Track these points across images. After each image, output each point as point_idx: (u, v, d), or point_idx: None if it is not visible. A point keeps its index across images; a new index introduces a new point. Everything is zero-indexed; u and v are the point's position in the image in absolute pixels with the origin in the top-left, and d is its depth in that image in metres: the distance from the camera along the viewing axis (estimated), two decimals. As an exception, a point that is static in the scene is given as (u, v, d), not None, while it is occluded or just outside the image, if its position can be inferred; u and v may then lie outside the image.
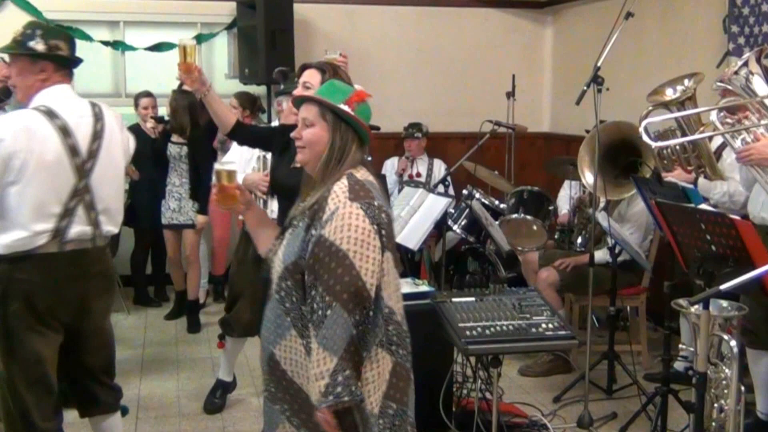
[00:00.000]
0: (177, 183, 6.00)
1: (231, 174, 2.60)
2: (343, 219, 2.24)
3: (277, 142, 3.56)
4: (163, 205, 6.06)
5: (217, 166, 2.64)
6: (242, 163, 4.41)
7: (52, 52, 3.06)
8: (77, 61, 3.18)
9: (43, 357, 3.04)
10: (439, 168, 6.76)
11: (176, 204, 6.02)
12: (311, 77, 3.27)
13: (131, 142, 3.38)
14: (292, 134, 2.43)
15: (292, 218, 2.41)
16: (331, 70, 3.25)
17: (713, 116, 3.61)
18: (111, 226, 3.17)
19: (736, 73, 3.53)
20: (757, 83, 3.53)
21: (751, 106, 3.50)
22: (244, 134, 3.68)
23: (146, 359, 5.39)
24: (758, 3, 5.25)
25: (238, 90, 6.49)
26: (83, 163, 3.04)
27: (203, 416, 4.44)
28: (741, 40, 5.42)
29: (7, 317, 2.99)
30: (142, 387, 4.86)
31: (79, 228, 3.04)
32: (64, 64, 3.12)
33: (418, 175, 6.72)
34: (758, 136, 3.52)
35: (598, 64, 4.06)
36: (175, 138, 5.98)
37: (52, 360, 3.09)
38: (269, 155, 4.15)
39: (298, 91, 3.26)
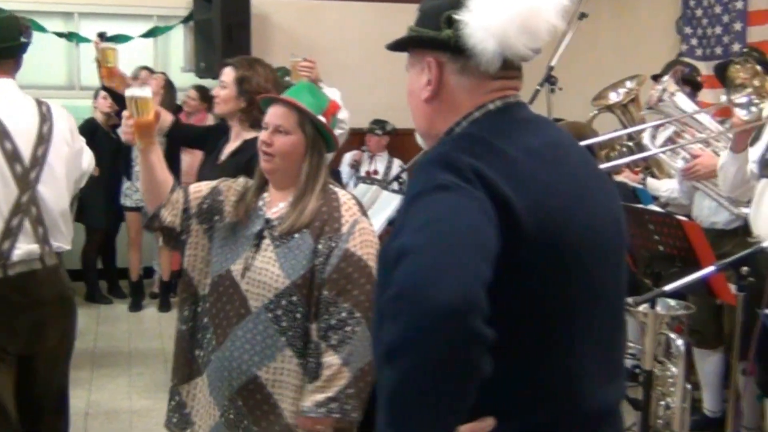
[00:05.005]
0: None
1: (149, 102, 2.30)
2: (364, 234, 2.19)
3: (210, 141, 3.45)
4: (127, 186, 6.01)
5: (130, 93, 2.31)
6: None
7: None
8: (22, 49, 2.80)
9: None
10: (398, 167, 6.76)
11: None
12: (226, 75, 3.16)
13: (86, 157, 2.98)
14: (262, 138, 2.26)
15: (264, 230, 2.26)
16: (247, 67, 3.16)
17: (646, 139, 3.69)
18: (62, 242, 2.80)
19: (660, 99, 3.62)
20: (682, 100, 3.62)
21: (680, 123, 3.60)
22: (181, 134, 3.59)
23: (97, 354, 5.31)
24: (711, 5, 5.35)
25: (194, 83, 6.46)
26: (26, 172, 2.67)
27: (155, 412, 4.37)
28: (694, 42, 5.51)
29: None
30: (93, 382, 4.80)
31: (25, 247, 2.68)
32: (7, 55, 2.76)
33: (375, 173, 6.70)
34: (696, 152, 3.61)
35: (551, 64, 4.09)
36: None
37: (6, 394, 2.75)
38: None
39: (216, 91, 3.18)
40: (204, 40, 6.67)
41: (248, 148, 3.10)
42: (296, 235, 2.20)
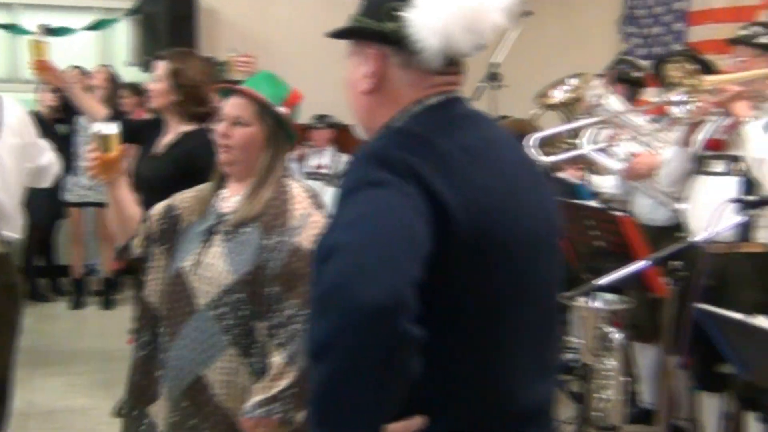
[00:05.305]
0: None
1: (113, 139, 2.28)
2: (316, 228, 2.10)
3: (144, 134, 3.41)
4: (68, 180, 5.90)
5: (96, 128, 2.30)
6: None
7: None
8: None
9: None
10: (344, 161, 6.75)
11: (91, 181, 5.86)
12: (160, 69, 3.16)
13: (46, 154, 3.02)
14: (220, 130, 2.20)
15: (216, 224, 2.19)
16: (180, 60, 3.16)
17: (583, 142, 3.76)
18: (12, 231, 2.84)
19: (594, 104, 3.70)
20: (614, 103, 3.70)
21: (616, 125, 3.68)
22: None
23: (37, 353, 5.18)
24: (652, 5, 5.43)
25: (139, 78, 6.39)
26: None
27: (95, 411, 4.32)
28: (636, 41, 5.59)
29: None
30: (32, 381, 4.69)
31: None
32: None
33: (323, 167, 6.69)
34: (636, 151, 3.69)
35: (493, 61, 4.12)
36: None
37: None
38: None
39: (151, 85, 3.18)
40: (150, 34, 6.58)
41: (186, 140, 3.07)
42: (247, 229, 2.14)
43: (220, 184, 2.29)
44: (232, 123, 2.18)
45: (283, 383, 2.04)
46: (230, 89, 2.27)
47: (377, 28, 1.43)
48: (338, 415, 1.17)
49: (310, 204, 2.17)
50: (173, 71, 3.10)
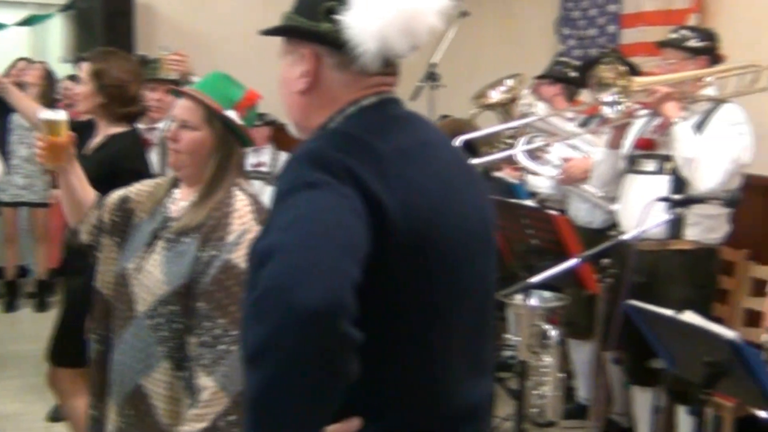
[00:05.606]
0: (25, 157, 5.68)
1: (62, 125, 2.26)
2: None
3: (78, 135, 3.37)
4: (2, 180, 5.77)
5: (45, 115, 2.29)
6: None
7: None
8: None
9: None
10: (284, 160, 6.71)
11: (25, 181, 5.73)
12: (83, 70, 3.12)
13: None
14: (167, 135, 2.14)
15: (161, 229, 2.12)
16: (102, 59, 3.12)
17: (519, 154, 3.86)
18: None
19: (524, 113, 3.79)
20: (542, 110, 3.80)
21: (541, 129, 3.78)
22: None
23: (-33, 357, 5.08)
24: (587, 7, 5.52)
25: (71, 74, 6.25)
26: None
27: (27, 416, 4.23)
28: (572, 42, 5.68)
29: None
30: (-39, 387, 4.59)
31: None
32: None
33: (262, 165, 6.63)
34: (566, 157, 3.78)
35: (433, 61, 4.15)
36: None
37: None
38: None
39: (78, 88, 3.14)
40: (85, 30, 6.44)
41: (112, 143, 3.04)
42: (187, 239, 2.06)
43: (176, 182, 2.23)
44: (180, 126, 2.12)
45: (218, 410, 1.93)
46: (179, 91, 2.21)
47: (312, 28, 1.42)
48: (276, 420, 1.16)
49: (251, 219, 2.06)
50: (96, 72, 3.05)
